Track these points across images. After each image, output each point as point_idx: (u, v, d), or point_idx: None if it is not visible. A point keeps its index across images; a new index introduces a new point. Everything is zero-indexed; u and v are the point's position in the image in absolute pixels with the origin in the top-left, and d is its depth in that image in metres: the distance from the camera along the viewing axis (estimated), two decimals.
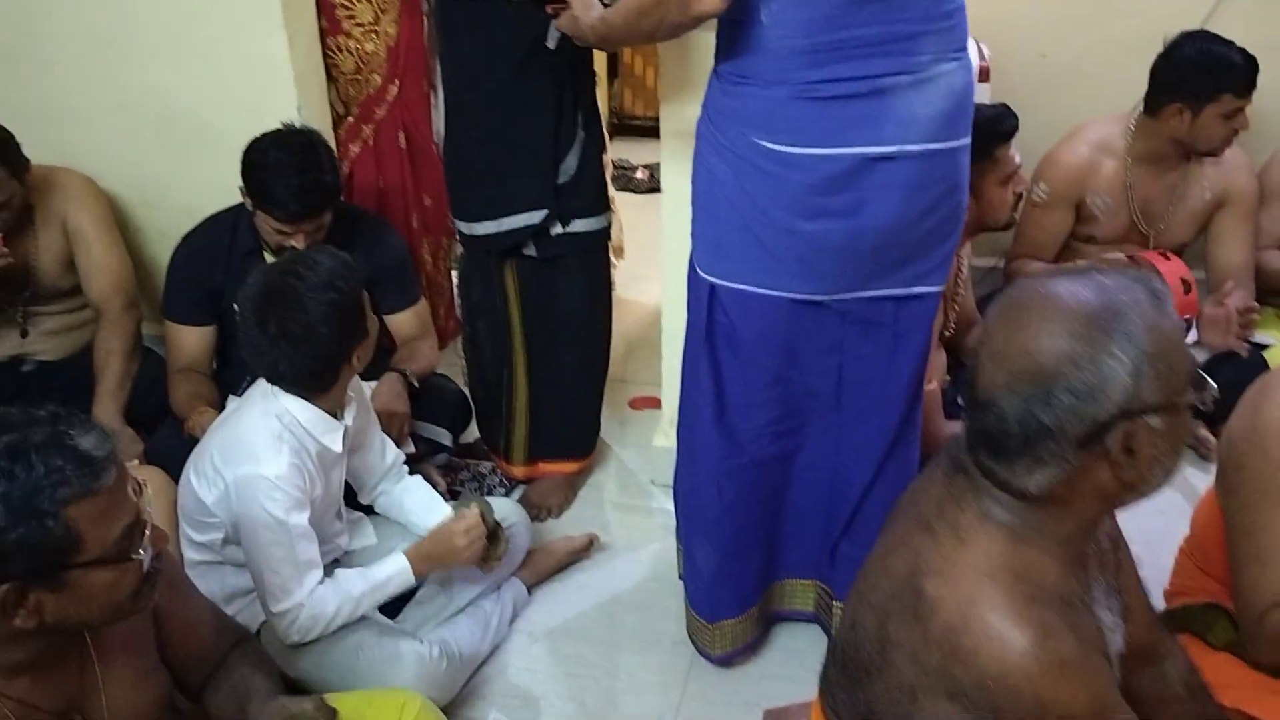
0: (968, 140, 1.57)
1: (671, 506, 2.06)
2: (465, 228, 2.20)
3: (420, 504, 2.02)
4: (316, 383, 1.72)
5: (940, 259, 1.61)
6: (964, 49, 1.52)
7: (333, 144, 2.48)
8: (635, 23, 1.54)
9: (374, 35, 2.55)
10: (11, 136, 2.22)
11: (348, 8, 2.49)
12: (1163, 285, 1.03)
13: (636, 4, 1.51)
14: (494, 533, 1.91)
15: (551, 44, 1.99)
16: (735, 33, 1.51)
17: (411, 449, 2.22)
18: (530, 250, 2.18)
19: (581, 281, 2.26)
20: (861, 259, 1.56)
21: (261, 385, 1.76)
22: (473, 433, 2.52)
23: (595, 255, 2.28)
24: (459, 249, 2.38)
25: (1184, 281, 2.36)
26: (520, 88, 2.04)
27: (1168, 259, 2.43)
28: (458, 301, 2.96)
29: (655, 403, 2.66)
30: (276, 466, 1.69)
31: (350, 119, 2.61)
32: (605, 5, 1.69)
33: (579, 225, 2.17)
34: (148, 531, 1.18)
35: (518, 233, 2.14)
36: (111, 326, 2.40)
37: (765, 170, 1.53)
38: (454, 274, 2.81)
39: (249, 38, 2.33)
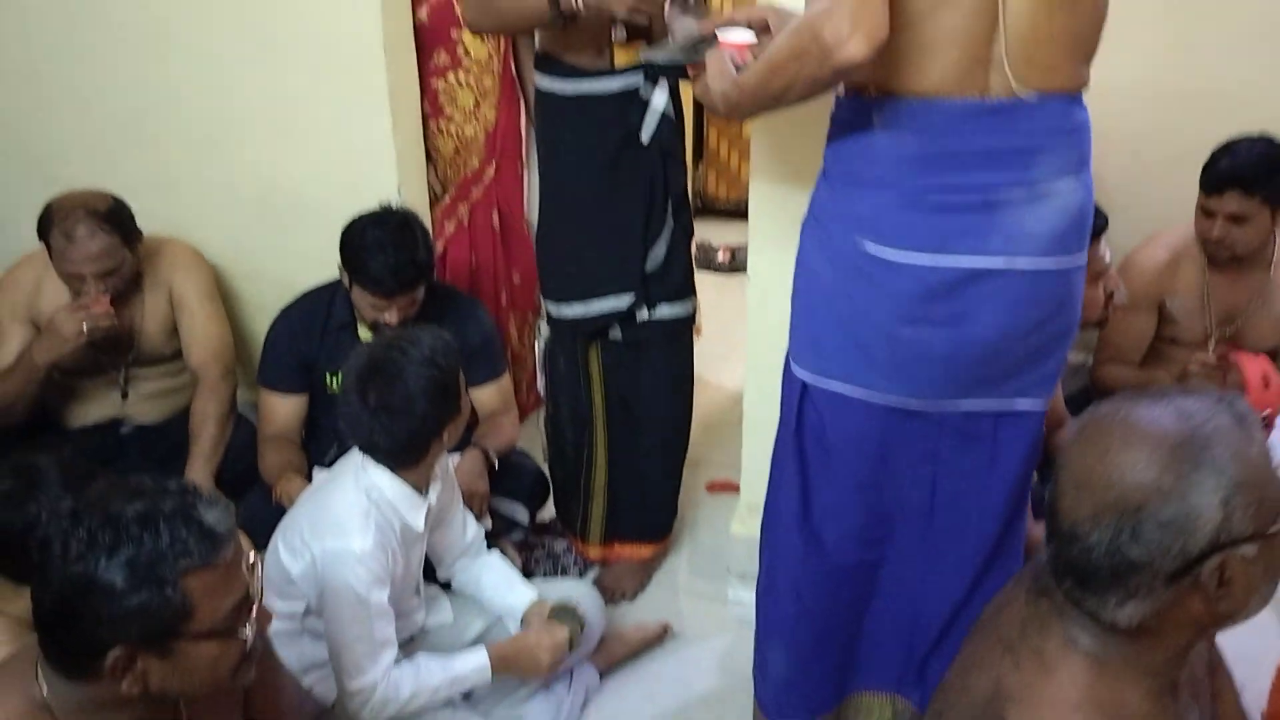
0: (1082, 259, 1.52)
1: (747, 597, 2.03)
2: (553, 309, 2.25)
3: (499, 581, 2.03)
4: (408, 456, 1.76)
5: (1045, 374, 1.56)
6: (1085, 165, 1.47)
7: (429, 223, 2.57)
8: (767, 82, 1.43)
9: (474, 119, 2.65)
10: (127, 207, 2.33)
11: (450, 94, 2.59)
12: (1248, 407, 1.00)
13: (769, 61, 1.43)
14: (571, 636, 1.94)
15: (645, 138, 2.06)
16: (847, 133, 1.51)
17: (489, 525, 2.24)
18: (616, 334, 2.22)
19: (664, 366, 2.29)
20: (961, 370, 1.52)
21: (352, 459, 1.80)
22: (549, 511, 2.53)
23: (679, 340, 2.31)
24: (543, 325, 2.43)
25: (1264, 378, 2.30)
26: (614, 178, 2.10)
27: (1255, 355, 2.37)
28: (540, 378, 3.00)
29: (733, 488, 2.64)
30: (363, 542, 1.71)
31: (447, 199, 2.69)
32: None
33: (665, 311, 2.22)
34: (255, 609, 1.21)
35: (605, 317, 2.19)
36: (209, 392, 2.48)
37: (869, 274, 1.50)
38: (538, 349, 2.87)
39: (354, 121, 2.43)
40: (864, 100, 1.46)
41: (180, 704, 1.27)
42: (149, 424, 2.54)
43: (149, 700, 1.18)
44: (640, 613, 2.34)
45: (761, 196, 2.12)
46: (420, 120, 2.55)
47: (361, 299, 2.19)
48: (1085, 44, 1.42)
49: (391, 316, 2.18)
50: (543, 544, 2.50)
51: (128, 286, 2.38)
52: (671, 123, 2.11)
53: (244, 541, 1.20)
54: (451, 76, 2.58)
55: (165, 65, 2.56)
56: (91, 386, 2.50)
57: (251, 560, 1.21)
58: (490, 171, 2.72)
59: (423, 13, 2.50)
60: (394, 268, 2.12)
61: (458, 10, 2.49)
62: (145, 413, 2.54)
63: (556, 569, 2.44)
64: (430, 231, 2.33)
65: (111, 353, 2.45)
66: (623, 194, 2.12)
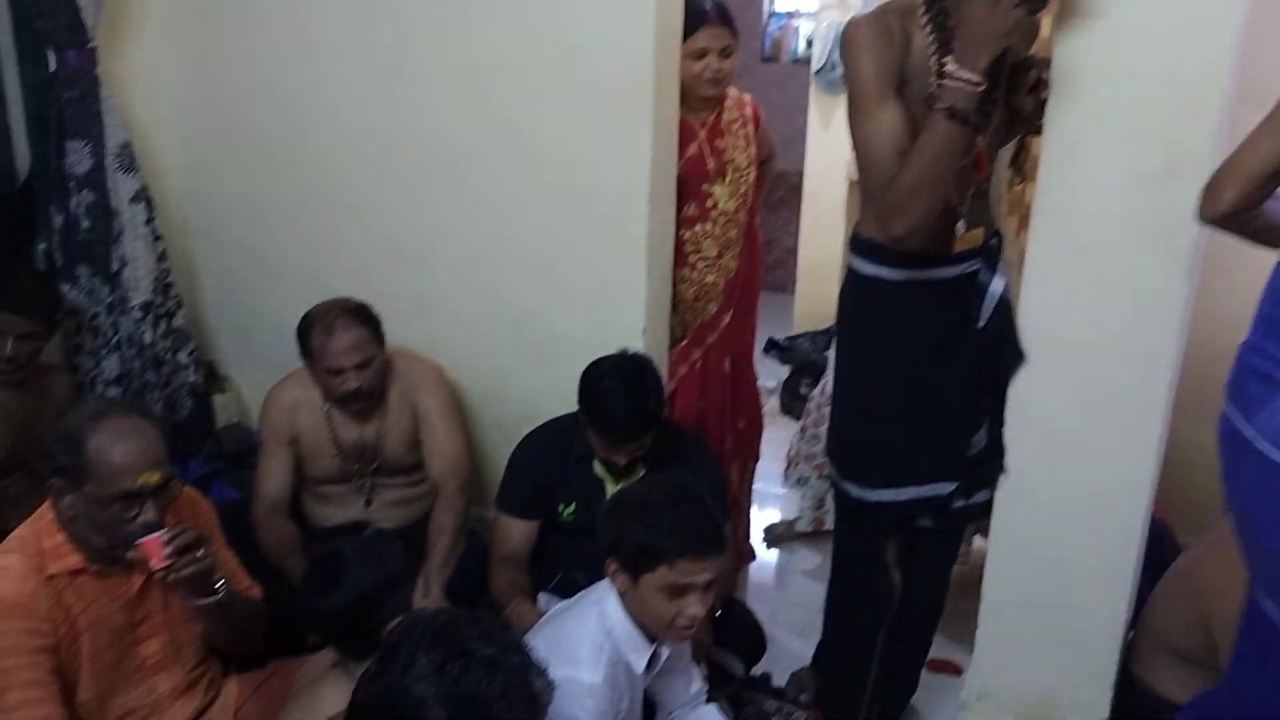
0: None
1: None
2: (856, 492, 2.14)
3: None
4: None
5: None
6: None
7: (664, 365, 2.65)
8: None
9: (716, 268, 2.73)
10: (370, 307, 2.55)
11: (695, 244, 2.69)
12: None
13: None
14: None
15: (981, 322, 2.00)
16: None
17: (704, 672, 2.20)
18: (925, 521, 2.15)
19: (952, 549, 2.22)
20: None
21: (595, 592, 1.82)
22: (762, 667, 2.46)
23: (969, 524, 2.26)
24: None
25: None
26: (943, 363, 2.02)
27: None
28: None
29: (954, 669, 2.52)
30: (593, 675, 1.72)
31: (683, 342, 2.77)
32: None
33: (980, 496, 2.14)
34: None
35: (918, 503, 2.11)
36: (446, 504, 2.60)
37: None
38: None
39: (613, 265, 2.55)
40: None
41: None
42: (389, 528, 2.66)
43: None
44: None
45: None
46: (672, 267, 2.66)
47: (593, 439, 2.28)
48: None
49: (620, 458, 2.26)
50: (754, 701, 2.44)
51: (376, 397, 2.57)
52: (1008, 305, 2.03)
53: None
54: (699, 227, 2.68)
55: (444, 197, 2.79)
56: (340, 493, 2.67)
57: None
58: (726, 319, 2.78)
59: (679, 167, 2.64)
60: (624, 417, 2.19)
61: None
62: (387, 518, 2.68)
63: None
64: (663, 377, 2.38)
65: (359, 462, 2.63)
66: (951, 378, 2.04)
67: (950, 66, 1.72)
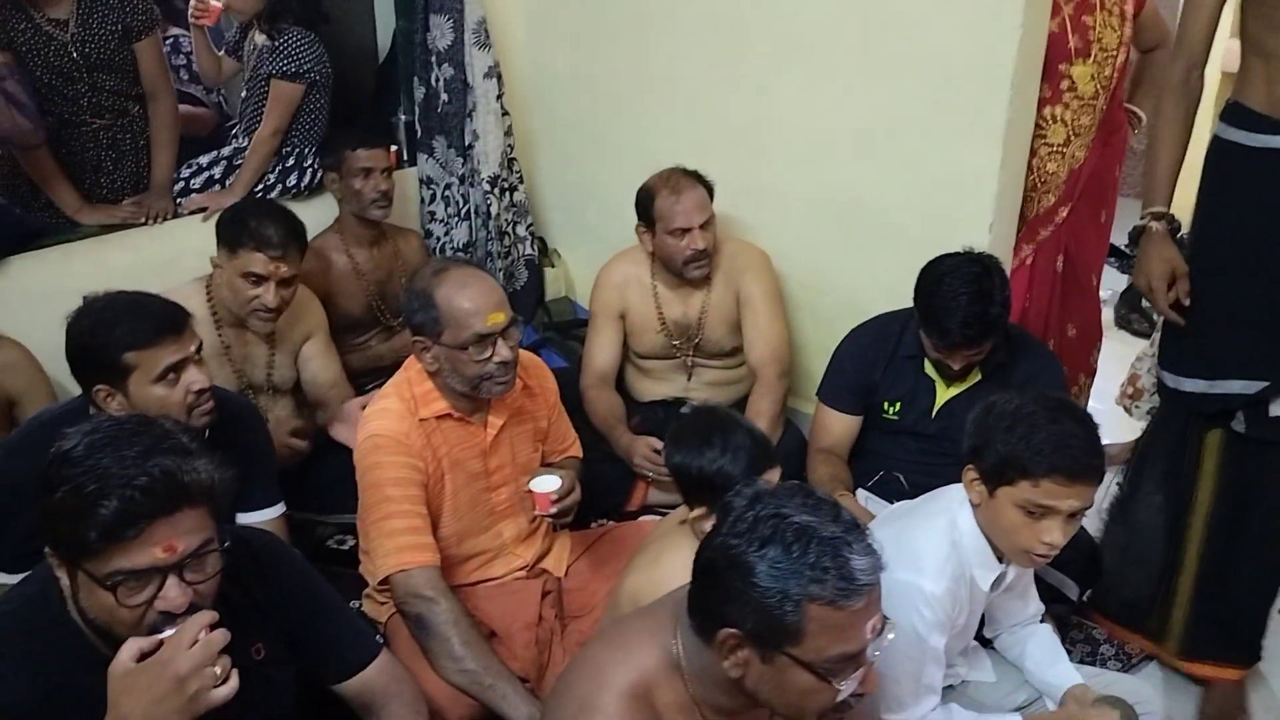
0: None
1: None
2: (1170, 380, 2.04)
3: (1043, 655, 1.90)
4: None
5: None
6: None
7: (1007, 263, 2.46)
8: None
9: (1059, 156, 2.49)
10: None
11: (1041, 128, 2.46)
12: None
13: None
14: None
15: None
16: None
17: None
18: (1238, 424, 1.96)
19: None
20: None
21: (945, 499, 1.75)
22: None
23: None
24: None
25: None
26: None
27: None
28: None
29: None
30: (935, 585, 1.66)
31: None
32: None
33: None
34: (864, 671, 1.20)
35: (1228, 399, 1.93)
36: (765, 390, 2.61)
37: None
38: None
39: (962, 152, 2.37)
40: None
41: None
42: None
43: (749, 693, 1.22)
44: None
45: None
46: (1028, 156, 2.45)
47: (927, 340, 2.18)
48: None
49: (955, 363, 2.15)
50: (1082, 625, 2.31)
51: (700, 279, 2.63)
52: None
53: (877, 608, 1.19)
54: (1047, 110, 2.45)
55: (783, 78, 2.69)
56: (662, 368, 2.77)
57: (879, 627, 1.19)
58: (1063, 213, 2.55)
59: None
60: (963, 322, 2.06)
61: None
62: (703, 397, 2.74)
63: (1094, 656, 2.24)
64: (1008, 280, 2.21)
65: (681, 339, 2.70)
66: None
67: None
